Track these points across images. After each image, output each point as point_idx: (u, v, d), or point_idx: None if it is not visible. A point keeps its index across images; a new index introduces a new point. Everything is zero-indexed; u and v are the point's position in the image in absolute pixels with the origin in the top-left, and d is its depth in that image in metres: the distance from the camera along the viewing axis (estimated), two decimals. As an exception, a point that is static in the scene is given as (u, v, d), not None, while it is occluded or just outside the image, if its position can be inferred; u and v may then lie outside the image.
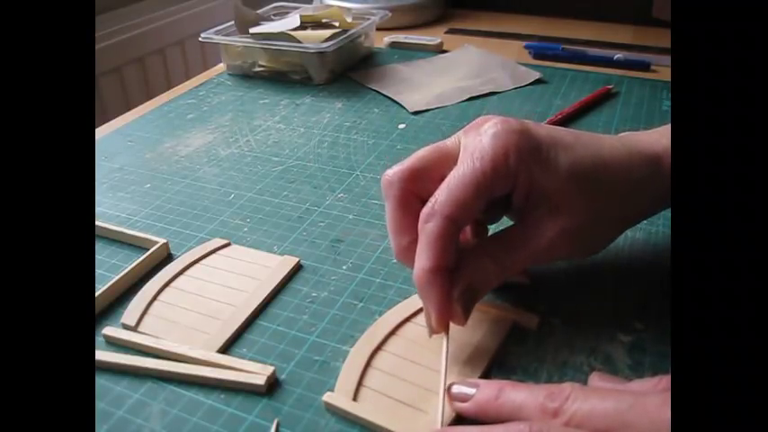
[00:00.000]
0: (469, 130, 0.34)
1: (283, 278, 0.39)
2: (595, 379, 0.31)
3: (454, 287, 0.32)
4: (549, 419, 0.27)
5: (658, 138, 0.36)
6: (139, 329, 0.35)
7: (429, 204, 0.31)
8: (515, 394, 0.29)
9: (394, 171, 0.34)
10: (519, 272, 0.36)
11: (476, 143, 0.32)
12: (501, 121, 0.32)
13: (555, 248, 0.33)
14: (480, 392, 0.29)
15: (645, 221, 0.44)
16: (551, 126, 0.34)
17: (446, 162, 0.33)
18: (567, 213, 0.32)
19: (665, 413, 0.24)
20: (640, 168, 0.34)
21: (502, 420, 0.28)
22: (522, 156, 0.31)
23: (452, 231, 0.31)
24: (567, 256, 0.35)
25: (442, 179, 0.33)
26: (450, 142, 0.35)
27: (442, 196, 0.31)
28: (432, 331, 0.32)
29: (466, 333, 0.34)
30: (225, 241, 0.43)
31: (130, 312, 0.36)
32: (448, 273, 0.31)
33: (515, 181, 0.32)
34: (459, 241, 0.32)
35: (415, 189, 0.34)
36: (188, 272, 0.40)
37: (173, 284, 0.39)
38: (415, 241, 0.32)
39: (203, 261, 0.41)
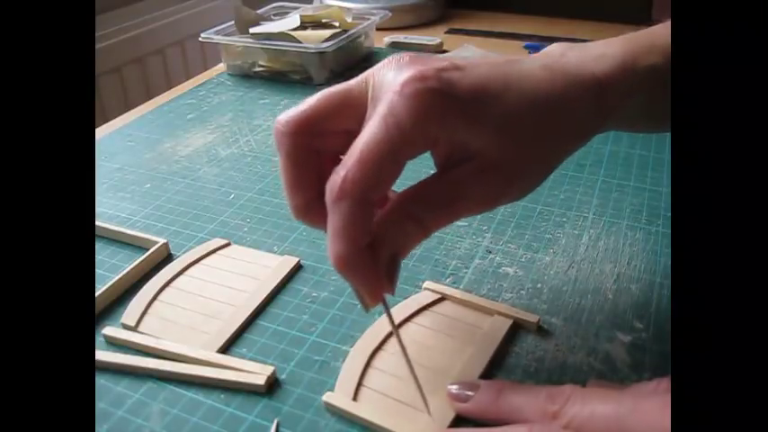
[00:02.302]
0: (380, 72, 0.29)
1: (283, 278, 0.39)
2: (593, 385, 0.30)
3: (377, 257, 0.28)
4: (548, 422, 0.27)
5: (595, 56, 0.31)
6: (139, 329, 0.35)
7: (338, 178, 0.27)
8: (515, 396, 0.29)
9: (287, 120, 0.30)
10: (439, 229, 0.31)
11: (390, 103, 0.27)
12: (418, 76, 0.27)
13: (483, 204, 0.30)
14: (480, 393, 0.29)
15: (645, 221, 0.44)
16: (477, 64, 0.29)
17: (350, 111, 0.30)
18: (494, 169, 0.29)
19: (665, 418, 0.23)
20: (577, 102, 0.30)
21: (502, 421, 0.28)
22: (443, 120, 0.27)
23: (368, 211, 0.27)
24: (496, 206, 0.31)
25: (346, 132, 0.29)
26: (356, 86, 0.30)
27: (352, 171, 0.27)
28: (367, 308, 0.30)
29: (466, 333, 0.34)
30: (225, 241, 0.43)
31: (130, 312, 0.37)
32: (368, 248, 0.28)
33: (436, 144, 0.28)
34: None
35: (313, 143, 0.30)
36: (188, 272, 0.40)
37: (173, 284, 0.39)
38: (313, 200, 0.30)
39: (203, 261, 0.41)
